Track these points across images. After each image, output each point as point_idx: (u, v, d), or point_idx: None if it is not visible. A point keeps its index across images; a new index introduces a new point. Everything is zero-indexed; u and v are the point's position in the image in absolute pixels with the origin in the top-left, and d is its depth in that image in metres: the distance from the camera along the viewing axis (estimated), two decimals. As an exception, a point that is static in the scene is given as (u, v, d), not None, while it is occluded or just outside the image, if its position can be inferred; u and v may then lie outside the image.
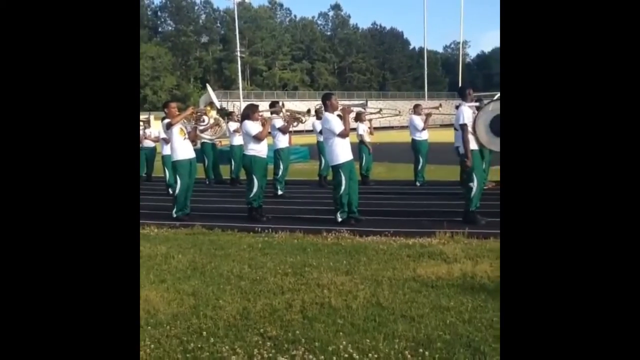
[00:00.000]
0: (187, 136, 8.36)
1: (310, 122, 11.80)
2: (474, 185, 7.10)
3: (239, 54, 48.83)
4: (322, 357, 3.14)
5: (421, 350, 3.18)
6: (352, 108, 8.00)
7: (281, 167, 10.57)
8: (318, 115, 11.05)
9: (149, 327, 3.67)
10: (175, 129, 8.14)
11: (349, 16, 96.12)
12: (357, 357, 3.12)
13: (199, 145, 13.14)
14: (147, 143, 12.99)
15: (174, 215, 8.13)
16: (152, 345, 3.36)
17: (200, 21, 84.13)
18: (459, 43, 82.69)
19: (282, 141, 10.57)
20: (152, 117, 14.33)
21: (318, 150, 11.90)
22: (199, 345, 3.35)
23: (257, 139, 8.00)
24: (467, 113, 7.20)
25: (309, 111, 10.93)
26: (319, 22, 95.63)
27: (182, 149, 8.23)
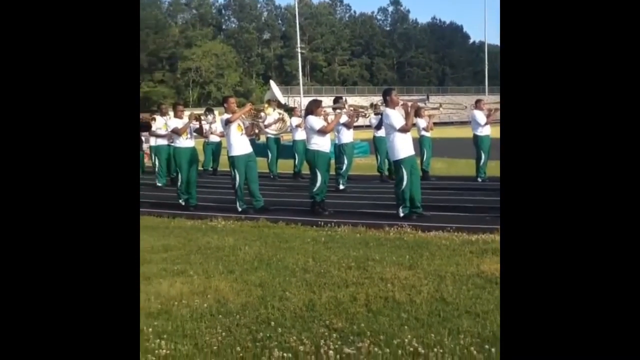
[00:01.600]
0: (244, 132, 8.45)
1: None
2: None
3: (299, 50, 49.10)
4: (388, 350, 3.15)
5: (487, 346, 3.15)
6: (418, 104, 7.94)
7: (345, 162, 10.59)
8: (375, 110, 11.01)
9: (220, 316, 3.77)
10: (233, 125, 8.26)
11: (408, 11, 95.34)
12: (423, 351, 3.11)
13: (263, 140, 13.35)
14: (213, 138, 13.23)
15: (239, 209, 8.26)
16: (224, 333, 3.45)
17: (262, 18, 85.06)
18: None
19: (346, 136, 10.59)
20: (217, 113, 14.60)
21: (374, 146, 11.88)
22: (268, 335, 3.42)
23: (322, 133, 8.04)
24: None
25: (372, 105, 10.91)
26: (379, 17, 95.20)
27: (239, 145, 8.33)
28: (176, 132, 8.97)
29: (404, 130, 7.33)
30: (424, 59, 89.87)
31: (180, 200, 8.98)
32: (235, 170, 8.29)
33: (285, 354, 3.12)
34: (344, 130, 10.48)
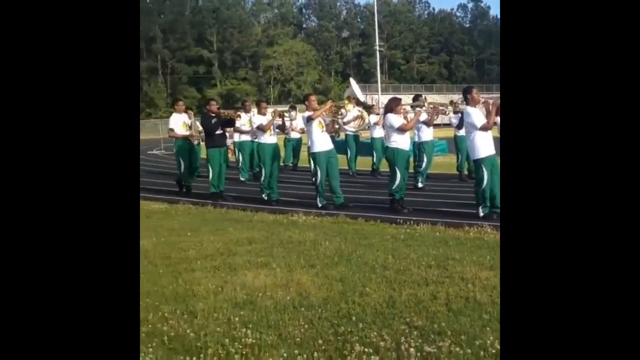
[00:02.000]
0: (325, 129, 8.52)
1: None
2: None
3: (377, 47, 48.79)
4: (469, 350, 3.11)
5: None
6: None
7: (425, 160, 10.49)
8: (454, 108, 10.83)
9: (302, 309, 3.84)
10: (315, 122, 8.34)
11: (489, 7, 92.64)
12: (505, 353, 3.05)
13: (343, 137, 13.42)
14: (294, 134, 13.40)
15: (319, 205, 8.34)
16: (306, 326, 3.51)
17: (342, 17, 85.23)
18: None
19: (426, 134, 10.51)
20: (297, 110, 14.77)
21: (455, 145, 11.68)
22: (349, 330, 3.45)
23: (401, 130, 8.01)
24: None
25: (451, 103, 10.74)
26: (458, 14, 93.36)
27: (321, 141, 8.42)
28: (261, 129, 9.18)
29: (485, 128, 7.18)
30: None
31: (263, 195, 9.17)
32: (317, 167, 8.38)
33: (366, 349, 3.14)
34: (423, 128, 10.38)
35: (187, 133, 10.54)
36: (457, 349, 3.14)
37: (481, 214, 7.18)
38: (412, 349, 3.13)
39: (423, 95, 10.84)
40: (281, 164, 11.51)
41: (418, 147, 10.46)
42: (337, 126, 10.49)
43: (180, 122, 10.60)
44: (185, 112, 10.83)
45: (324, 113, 8.53)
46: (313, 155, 8.46)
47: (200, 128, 10.75)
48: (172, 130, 10.62)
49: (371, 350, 3.13)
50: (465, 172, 11.49)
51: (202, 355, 3.10)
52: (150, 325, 3.56)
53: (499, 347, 3.11)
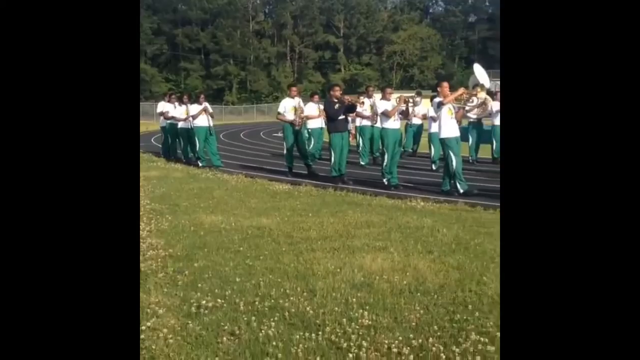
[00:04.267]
0: (454, 115, 8.42)
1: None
2: None
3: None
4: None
5: None
6: None
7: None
8: None
9: (418, 294, 3.83)
10: (445, 108, 8.26)
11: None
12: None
13: (465, 124, 13.09)
14: (415, 120, 13.25)
15: (461, 191, 8.26)
16: (422, 311, 3.50)
17: (469, 1, 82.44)
18: None
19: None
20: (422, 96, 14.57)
21: None
22: (465, 317, 3.39)
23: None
24: None
25: None
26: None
27: (449, 127, 8.34)
28: (386, 114, 9.16)
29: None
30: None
31: (384, 180, 9.17)
32: (451, 152, 8.28)
33: (482, 338, 3.08)
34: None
35: (293, 118, 10.75)
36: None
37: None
38: (529, 343, 3.03)
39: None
40: (402, 149, 11.45)
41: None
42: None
43: (289, 107, 10.84)
44: (298, 97, 11.08)
45: (454, 100, 8.42)
46: (442, 141, 8.41)
47: (305, 113, 10.98)
48: (280, 113, 10.91)
49: (487, 340, 3.07)
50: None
51: (320, 332, 3.19)
52: (272, 301, 3.71)
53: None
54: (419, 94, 12.66)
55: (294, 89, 11.41)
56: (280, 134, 10.89)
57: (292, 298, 3.73)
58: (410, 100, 9.92)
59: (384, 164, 9.19)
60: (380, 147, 9.89)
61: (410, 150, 14.34)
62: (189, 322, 3.38)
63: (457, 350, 2.95)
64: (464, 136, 12.42)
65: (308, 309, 3.54)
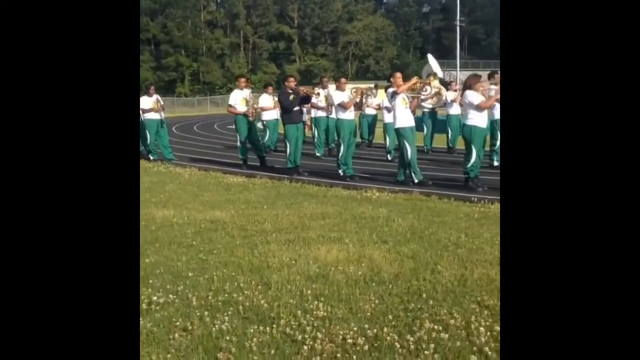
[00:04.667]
0: (408, 105, 8.49)
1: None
2: None
3: (458, 22, 47.41)
4: (541, 332, 3.04)
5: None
6: None
7: (499, 137, 10.21)
8: None
9: (374, 284, 3.86)
10: (399, 98, 8.32)
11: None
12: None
13: (419, 114, 13.24)
14: (369, 110, 13.31)
15: (416, 181, 8.30)
16: (377, 301, 3.53)
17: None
18: None
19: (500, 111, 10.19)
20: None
21: None
22: (419, 306, 3.44)
23: (480, 108, 7.82)
24: None
25: None
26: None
27: (404, 117, 8.40)
28: (343, 106, 9.14)
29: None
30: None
31: (340, 171, 9.19)
32: (406, 142, 8.34)
33: (436, 326, 3.13)
34: (498, 105, 10.05)
35: (245, 109, 10.69)
36: (529, 330, 3.07)
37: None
38: (482, 328, 3.10)
39: (498, 73, 10.49)
40: (358, 140, 11.51)
41: (492, 125, 10.16)
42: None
43: (240, 98, 10.76)
44: (247, 88, 10.98)
45: (407, 89, 8.49)
46: (397, 130, 8.48)
47: (257, 105, 10.88)
48: (230, 106, 10.77)
49: (440, 328, 3.12)
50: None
51: (274, 325, 3.18)
52: (226, 295, 3.68)
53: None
54: (376, 87, 12.75)
55: (242, 80, 11.28)
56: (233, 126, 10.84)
57: (246, 292, 3.71)
58: (369, 92, 9.99)
59: (340, 155, 9.22)
60: (336, 138, 9.91)
61: (366, 141, 14.41)
62: (140, 319, 3.32)
63: (412, 339, 2.99)
64: (418, 126, 12.59)
65: (262, 302, 3.53)
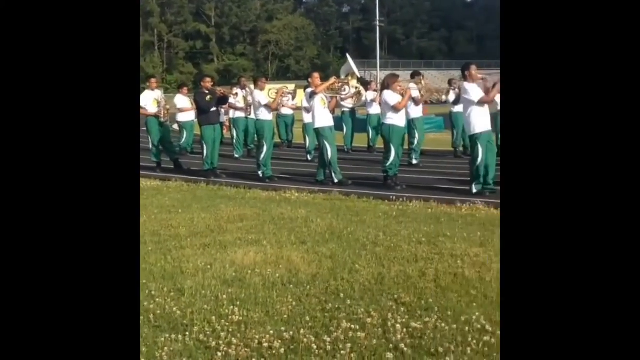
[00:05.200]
0: (327, 105, 8.58)
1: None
2: None
3: (378, 23, 48.29)
4: (455, 326, 3.13)
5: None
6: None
7: (417, 136, 10.49)
8: (452, 86, 10.86)
9: (291, 286, 3.85)
10: (317, 98, 8.38)
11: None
12: (490, 328, 3.07)
13: (338, 113, 13.37)
14: (286, 111, 13.28)
15: (336, 181, 8.34)
16: (294, 303, 3.53)
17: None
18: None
19: (416, 111, 10.47)
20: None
21: (451, 121, 11.65)
22: (337, 306, 3.46)
23: (396, 109, 8.00)
24: None
25: (450, 82, 10.77)
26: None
27: (323, 117, 8.48)
28: (269, 106, 9.06)
29: (483, 103, 7.17)
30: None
31: (259, 172, 9.12)
32: (324, 141, 8.39)
33: (353, 325, 3.16)
34: (412, 104, 10.32)
35: (156, 110, 10.50)
36: (443, 324, 3.16)
37: (474, 191, 7.19)
38: (398, 325, 3.15)
39: (422, 74, 10.78)
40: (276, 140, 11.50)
41: (409, 124, 10.42)
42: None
43: (150, 100, 10.55)
44: (159, 88, 10.79)
45: (326, 89, 8.57)
46: (317, 130, 8.54)
47: (178, 106, 10.67)
48: (141, 107, 10.39)
49: (357, 327, 3.15)
50: (461, 149, 11.51)
51: (187, 333, 3.12)
52: (137, 302, 3.57)
53: (484, 322, 3.14)
54: (287, 89, 12.78)
55: (153, 80, 11.06)
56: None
57: (158, 299, 3.61)
58: (285, 93, 10.01)
59: (261, 156, 9.16)
60: (256, 139, 9.85)
61: (286, 141, 14.42)
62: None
63: (329, 339, 3.00)
64: (338, 125, 12.73)
65: (175, 309, 3.45)
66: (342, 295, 3.66)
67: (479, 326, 3.12)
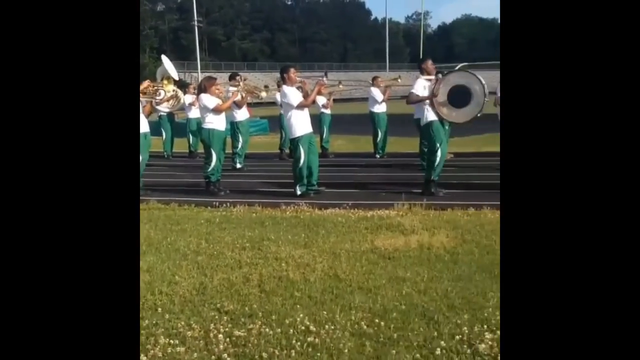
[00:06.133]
0: (142, 110, 8.24)
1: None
2: (438, 156, 7.14)
3: (196, 23, 47.80)
4: (279, 330, 3.17)
5: (377, 320, 3.24)
6: (324, 81, 8.11)
7: (240, 140, 10.52)
8: (280, 87, 11.05)
9: (103, 304, 3.64)
10: (130, 102, 8.04)
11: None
12: (314, 329, 3.16)
13: (156, 118, 12.98)
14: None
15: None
16: (106, 323, 3.34)
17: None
18: (420, 14, 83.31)
19: (241, 113, 10.49)
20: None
21: (280, 123, 11.86)
22: (154, 322, 3.34)
23: (216, 111, 7.95)
24: (418, 85, 7.21)
25: (266, 87, 10.91)
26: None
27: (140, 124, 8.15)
28: None
29: (302, 106, 7.36)
30: (325, 35, 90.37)
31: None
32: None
33: (172, 340, 3.07)
34: (236, 107, 10.36)
35: None
36: (267, 329, 3.19)
37: (298, 192, 7.37)
38: (220, 335, 3.12)
39: (240, 75, 10.82)
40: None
41: (233, 127, 10.44)
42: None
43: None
44: None
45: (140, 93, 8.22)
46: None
47: None
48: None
49: (177, 342, 3.07)
50: (287, 151, 11.73)
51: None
52: None
53: (308, 323, 3.22)
54: None
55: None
56: None
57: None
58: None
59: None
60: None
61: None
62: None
63: (145, 357, 2.89)
64: (156, 131, 12.36)
65: None
66: (160, 310, 3.54)
67: (303, 327, 3.19)
